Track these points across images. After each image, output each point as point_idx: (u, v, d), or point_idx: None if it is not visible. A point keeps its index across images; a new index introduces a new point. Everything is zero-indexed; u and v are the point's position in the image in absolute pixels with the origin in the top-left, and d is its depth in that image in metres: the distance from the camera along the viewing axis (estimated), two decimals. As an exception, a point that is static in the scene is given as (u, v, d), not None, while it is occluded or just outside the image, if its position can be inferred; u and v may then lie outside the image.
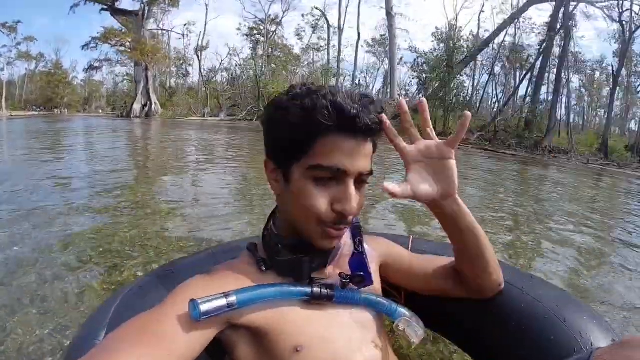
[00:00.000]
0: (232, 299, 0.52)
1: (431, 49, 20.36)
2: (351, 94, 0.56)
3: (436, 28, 24.35)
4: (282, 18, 30.87)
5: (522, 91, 23.65)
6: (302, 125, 0.56)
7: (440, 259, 0.81)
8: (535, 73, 22.02)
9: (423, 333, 0.69)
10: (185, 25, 30.33)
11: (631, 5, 21.46)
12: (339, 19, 26.84)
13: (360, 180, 0.60)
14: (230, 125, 18.64)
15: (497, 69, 30.19)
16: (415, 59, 20.92)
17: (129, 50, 22.77)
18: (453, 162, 0.61)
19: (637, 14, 21.75)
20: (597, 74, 34.84)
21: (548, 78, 23.09)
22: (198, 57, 29.04)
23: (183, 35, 30.41)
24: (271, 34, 30.19)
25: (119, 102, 27.43)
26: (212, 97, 25.72)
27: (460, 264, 0.74)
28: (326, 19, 28.32)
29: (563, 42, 20.73)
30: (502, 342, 0.77)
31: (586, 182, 8.38)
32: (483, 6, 26.85)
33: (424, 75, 20.54)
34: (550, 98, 21.28)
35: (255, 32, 31.11)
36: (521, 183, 7.03)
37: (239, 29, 31.39)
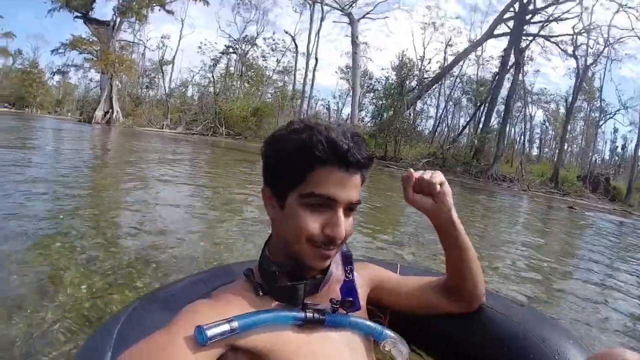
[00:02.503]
0: (235, 324, 0.57)
1: (381, 77, 21.27)
2: (344, 131, 0.65)
3: (408, 59, 25.47)
4: (256, 39, 31.85)
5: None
6: (299, 156, 0.63)
7: (427, 278, 0.90)
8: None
9: (407, 353, 0.75)
10: (162, 37, 31.23)
11: (587, 40, 22.63)
12: (308, 44, 27.71)
13: (349, 208, 0.67)
14: (183, 138, 19.14)
15: (464, 101, 31.42)
16: (368, 86, 21.78)
17: (95, 59, 23.41)
18: (444, 199, 0.76)
19: (592, 48, 22.92)
20: (562, 108, 36.29)
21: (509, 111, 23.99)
22: (162, 71, 30.01)
23: (158, 47, 31.25)
24: (243, 53, 31.10)
25: (87, 107, 27.86)
26: (178, 111, 26.32)
27: (452, 275, 0.83)
28: (295, 42, 29.28)
29: (513, 76, 21.67)
30: None
31: (486, 202, 9.01)
32: (450, 40, 27.83)
33: (380, 102, 21.33)
34: (502, 127, 22.11)
35: (230, 50, 32.03)
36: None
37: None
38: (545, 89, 35.63)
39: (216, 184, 5.60)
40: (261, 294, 0.67)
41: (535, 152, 37.20)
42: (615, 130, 37.65)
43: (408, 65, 20.52)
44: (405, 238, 3.66)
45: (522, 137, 28.48)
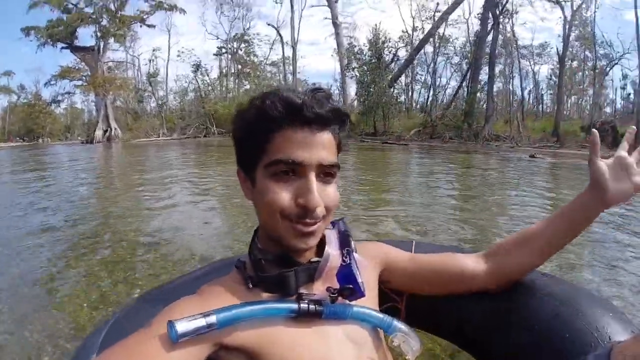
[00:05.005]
0: (212, 318, 0.51)
1: (349, 46, 21.22)
2: (305, 91, 0.59)
3: (402, 31, 25.38)
4: (243, 36, 32.22)
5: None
6: (256, 124, 0.58)
7: (445, 254, 0.80)
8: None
9: (419, 348, 0.66)
10: (153, 50, 32.19)
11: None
12: (292, 34, 27.91)
13: (325, 173, 0.59)
14: (176, 143, 19.99)
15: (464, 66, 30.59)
16: (348, 63, 21.84)
17: (85, 84, 24.79)
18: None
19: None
20: (569, 61, 34.60)
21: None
22: (150, 84, 30.81)
23: (149, 60, 32.20)
24: (234, 51, 31.64)
25: (91, 128, 29.43)
26: (175, 118, 27.42)
27: (528, 256, 0.73)
28: (279, 33, 29.50)
29: (493, 32, 21.10)
30: (512, 343, 0.72)
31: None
32: (438, 5, 27.14)
33: (364, 78, 21.31)
34: (489, 85, 21.61)
35: (223, 50, 32.67)
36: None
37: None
38: (546, 42, 34.14)
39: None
40: (251, 285, 0.61)
41: (540, 108, 35.89)
42: (625, 77, 35.64)
43: (382, 38, 20.39)
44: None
45: (521, 93, 27.48)
